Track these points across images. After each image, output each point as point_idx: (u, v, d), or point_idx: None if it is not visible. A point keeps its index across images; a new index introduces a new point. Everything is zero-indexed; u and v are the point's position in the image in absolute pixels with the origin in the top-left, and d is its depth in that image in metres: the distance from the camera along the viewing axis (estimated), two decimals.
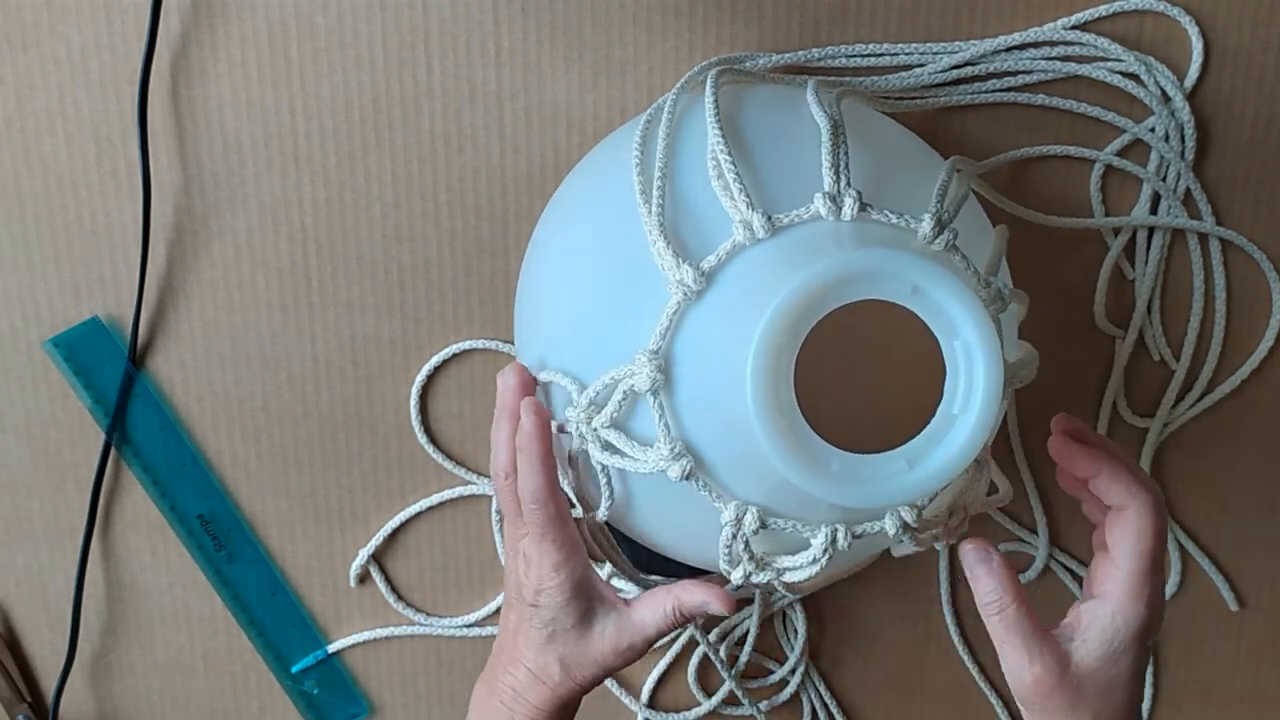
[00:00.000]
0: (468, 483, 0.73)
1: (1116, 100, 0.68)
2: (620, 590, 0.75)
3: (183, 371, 0.71)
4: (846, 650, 0.77)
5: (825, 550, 0.53)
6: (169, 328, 0.70)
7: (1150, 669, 0.77)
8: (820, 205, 0.51)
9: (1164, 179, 0.69)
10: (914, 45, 0.66)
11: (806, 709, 0.77)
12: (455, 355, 0.71)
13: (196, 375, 0.71)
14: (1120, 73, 0.67)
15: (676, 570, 0.71)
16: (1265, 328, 0.72)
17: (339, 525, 0.74)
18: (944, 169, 0.56)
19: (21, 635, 0.75)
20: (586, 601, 0.59)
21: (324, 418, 0.72)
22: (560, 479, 0.58)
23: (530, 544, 0.59)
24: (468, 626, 0.75)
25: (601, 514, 0.58)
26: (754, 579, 0.55)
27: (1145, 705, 0.77)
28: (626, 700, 0.76)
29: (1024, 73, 0.67)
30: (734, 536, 0.54)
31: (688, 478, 0.53)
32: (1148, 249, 0.70)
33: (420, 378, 0.71)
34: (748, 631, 0.75)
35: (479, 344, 0.70)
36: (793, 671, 0.76)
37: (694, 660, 0.76)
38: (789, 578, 0.55)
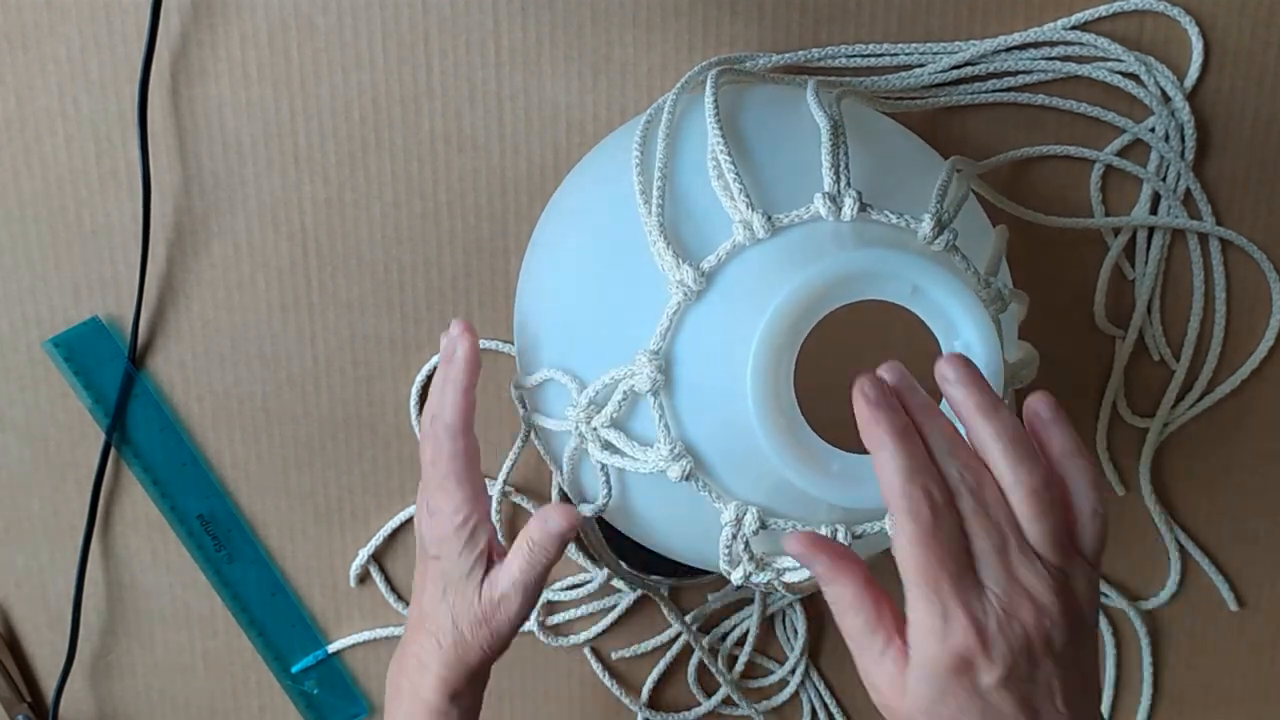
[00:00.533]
0: None
1: (1116, 100, 0.68)
2: (618, 590, 0.75)
3: (183, 371, 0.71)
4: (846, 650, 0.76)
5: None
6: (169, 328, 0.70)
7: (1150, 669, 0.77)
8: (820, 205, 0.51)
9: (1164, 179, 0.69)
10: (914, 45, 0.66)
11: (806, 709, 0.77)
12: None
13: (196, 375, 0.71)
14: (1120, 73, 0.67)
15: (676, 570, 0.72)
16: (1265, 328, 0.72)
17: (339, 525, 0.74)
18: (944, 169, 0.56)
19: (21, 635, 0.75)
20: (478, 551, 0.59)
21: (324, 418, 0.72)
22: (556, 478, 0.58)
23: (431, 489, 0.59)
24: None
25: (595, 508, 0.58)
26: (754, 579, 0.55)
27: (1145, 705, 0.77)
28: (626, 700, 0.76)
29: (1024, 73, 0.67)
30: (734, 537, 0.54)
31: (688, 478, 0.53)
32: (1148, 249, 0.70)
33: (420, 378, 0.71)
34: (748, 632, 0.75)
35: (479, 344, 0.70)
36: (793, 671, 0.76)
37: (694, 660, 0.76)
38: (789, 578, 0.55)
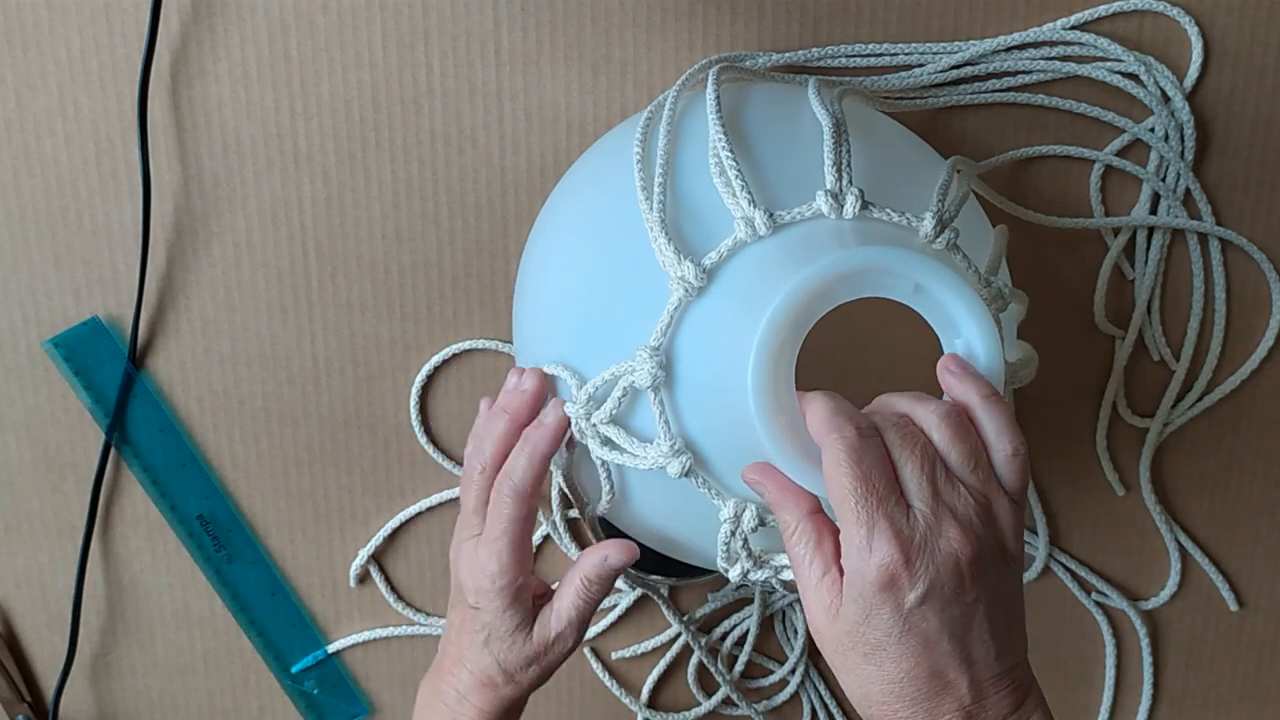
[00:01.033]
0: None
1: (1116, 100, 0.68)
2: (618, 590, 0.75)
3: (182, 371, 0.71)
4: None
5: None
6: (169, 328, 0.70)
7: (1150, 669, 0.77)
8: (822, 203, 0.51)
9: (1164, 179, 0.69)
10: (914, 45, 0.66)
11: (806, 709, 0.77)
12: (455, 355, 0.70)
13: (196, 375, 0.71)
14: (1120, 73, 0.67)
15: (676, 570, 0.72)
16: (1265, 328, 0.72)
17: (339, 525, 0.74)
18: (944, 169, 0.56)
19: (21, 635, 0.75)
20: (524, 608, 0.59)
21: (324, 418, 0.72)
22: (554, 467, 0.58)
23: (482, 545, 0.58)
24: None
25: (601, 508, 0.58)
26: (752, 576, 0.55)
27: (1145, 705, 0.77)
28: (626, 700, 0.76)
29: (1024, 73, 0.67)
30: (732, 534, 0.54)
31: (687, 474, 0.53)
32: (1147, 249, 0.70)
33: (420, 378, 0.71)
34: (748, 632, 0.75)
35: (479, 344, 0.70)
36: (793, 671, 0.76)
37: (694, 661, 0.76)
38: (787, 576, 0.55)
